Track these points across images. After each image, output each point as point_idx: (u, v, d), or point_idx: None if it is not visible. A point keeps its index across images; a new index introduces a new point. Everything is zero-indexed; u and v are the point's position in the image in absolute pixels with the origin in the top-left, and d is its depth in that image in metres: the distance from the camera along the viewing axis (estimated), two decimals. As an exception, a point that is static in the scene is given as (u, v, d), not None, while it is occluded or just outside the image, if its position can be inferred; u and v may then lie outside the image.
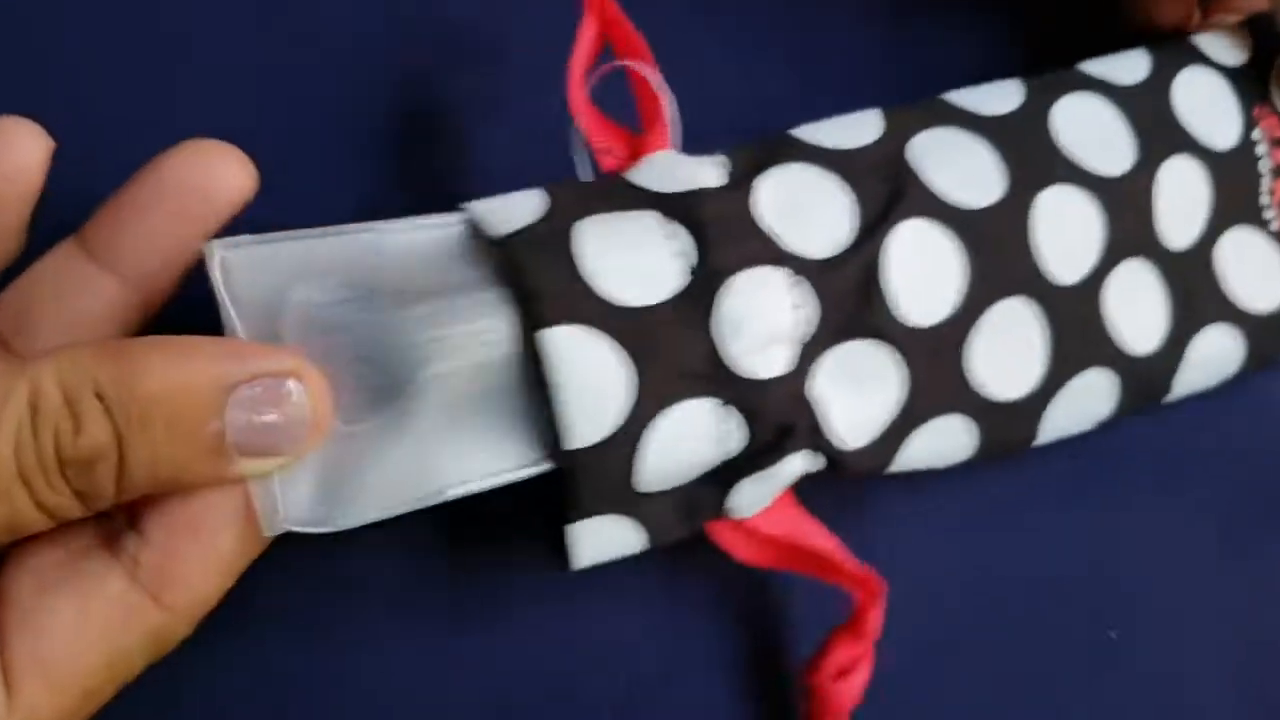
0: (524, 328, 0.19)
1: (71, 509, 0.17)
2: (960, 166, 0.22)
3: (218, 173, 0.19)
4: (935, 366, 0.22)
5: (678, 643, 0.25)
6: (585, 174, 0.22)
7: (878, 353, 0.21)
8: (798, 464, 0.21)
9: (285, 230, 0.19)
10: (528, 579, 0.25)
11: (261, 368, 0.17)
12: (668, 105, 0.22)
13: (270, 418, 0.17)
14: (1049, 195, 0.22)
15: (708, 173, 0.21)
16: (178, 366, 0.17)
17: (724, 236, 0.20)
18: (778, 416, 0.20)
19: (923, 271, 0.21)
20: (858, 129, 0.23)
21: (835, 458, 0.21)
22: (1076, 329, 0.23)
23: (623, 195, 0.21)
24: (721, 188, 0.21)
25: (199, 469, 0.17)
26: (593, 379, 0.19)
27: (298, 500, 0.19)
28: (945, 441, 0.23)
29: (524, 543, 0.25)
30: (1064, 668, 0.26)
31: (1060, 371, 0.23)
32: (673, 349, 0.20)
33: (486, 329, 0.20)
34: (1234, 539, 0.28)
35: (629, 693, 0.24)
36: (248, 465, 0.17)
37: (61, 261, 0.19)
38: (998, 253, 0.22)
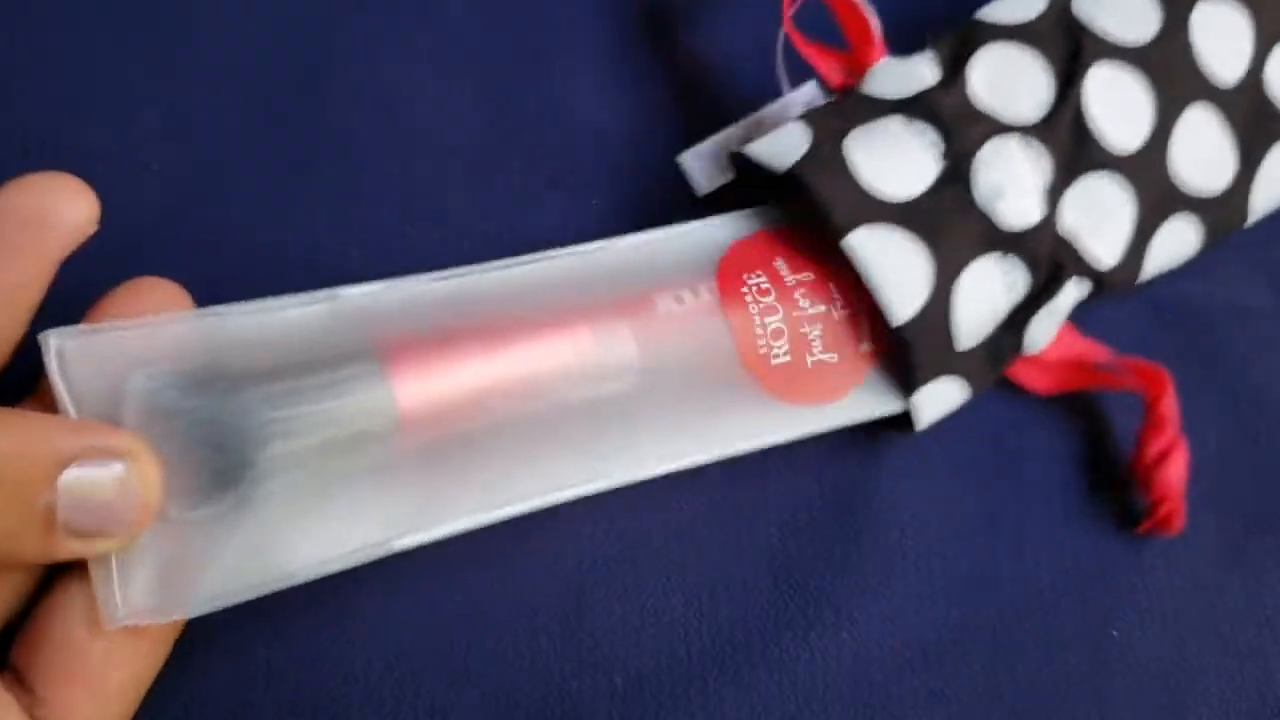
0: (833, 235, 0.24)
1: None
2: (1120, 10, 0.26)
3: (59, 206, 0.19)
4: (1151, 180, 0.26)
5: (677, 643, 0.25)
6: (786, 89, 0.27)
7: (1104, 182, 0.25)
8: (1072, 292, 0.25)
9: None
10: (528, 578, 0.25)
11: (95, 444, 0.17)
12: (873, 20, 0.26)
13: (100, 497, 0.17)
14: (1199, 12, 0.26)
15: (924, 71, 0.25)
16: (13, 436, 0.17)
17: (960, 123, 0.25)
18: (1048, 255, 0.25)
19: (1118, 106, 0.25)
20: (1026, 2, 0.26)
21: (1098, 279, 0.25)
22: (1252, 118, 0.27)
23: (867, 108, 0.25)
24: (940, 83, 0.25)
25: (28, 544, 0.17)
26: (897, 263, 0.23)
27: (137, 590, 0.19)
28: (1177, 241, 0.27)
29: (530, 542, 0.25)
30: (1064, 667, 0.26)
31: (1251, 156, 0.27)
32: (951, 222, 0.24)
33: (364, 401, 0.20)
34: (1234, 538, 0.27)
35: (626, 691, 0.24)
36: (77, 544, 0.17)
37: None
38: (1171, 72, 0.26)
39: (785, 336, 0.24)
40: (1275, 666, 0.26)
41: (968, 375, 0.25)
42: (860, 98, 0.25)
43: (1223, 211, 0.27)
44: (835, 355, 0.25)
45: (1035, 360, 0.26)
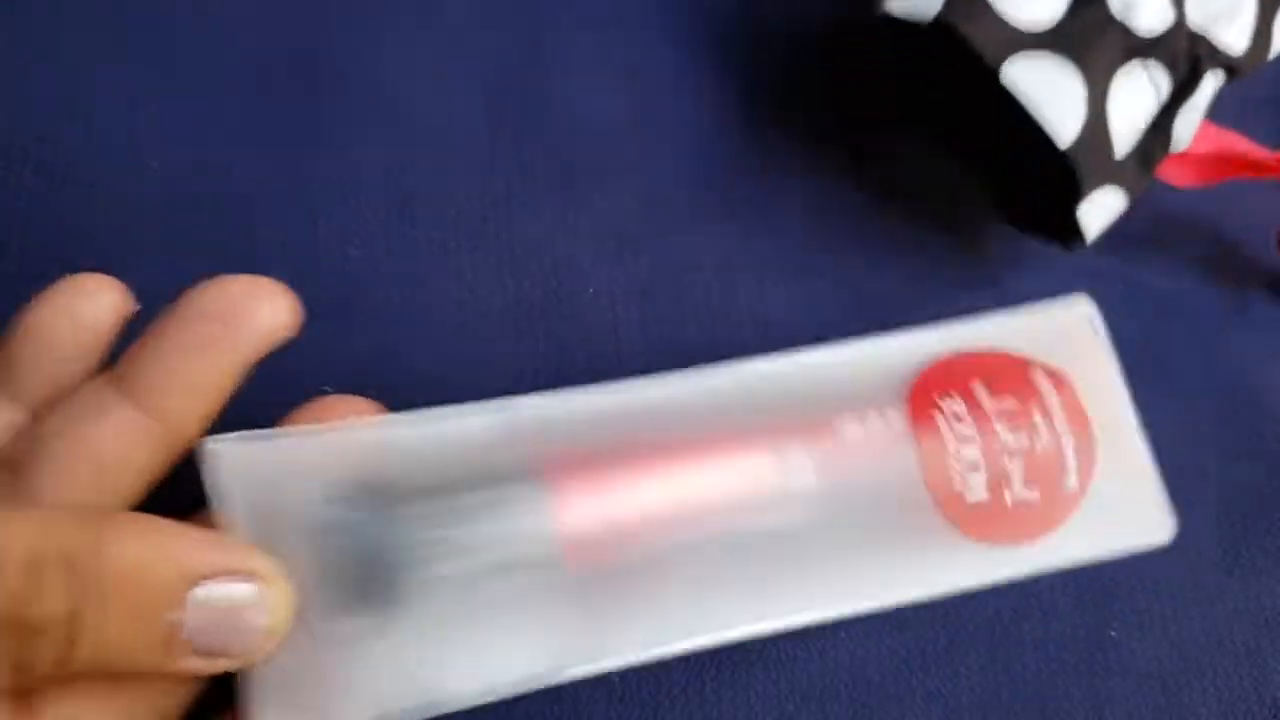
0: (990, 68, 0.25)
1: (3, 678, 0.16)
2: None
3: (249, 306, 0.19)
4: None
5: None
6: None
7: None
8: (1210, 85, 0.27)
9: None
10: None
11: (230, 563, 0.17)
12: None
13: (228, 619, 0.17)
14: None
15: None
16: (150, 548, 0.16)
17: None
18: (1185, 52, 0.26)
19: None
20: None
21: (1230, 66, 0.27)
22: None
23: None
24: None
25: (146, 657, 0.16)
26: (1054, 87, 0.25)
27: (280, 705, 0.18)
28: None
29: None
30: (1062, 668, 0.26)
31: None
32: (1094, 38, 0.26)
33: (523, 525, 0.20)
34: (1233, 540, 0.27)
35: (624, 690, 0.24)
36: (197, 662, 0.17)
37: (90, 391, 0.19)
38: None
39: (982, 470, 0.23)
40: (1273, 667, 0.26)
41: (1124, 182, 0.27)
42: None
43: None
44: (1037, 492, 0.23)
45: (1180, 156, 0.28)
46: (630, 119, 0.29)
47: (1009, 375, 0.24)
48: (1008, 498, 0.23)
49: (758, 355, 0.24)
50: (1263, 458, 0.28)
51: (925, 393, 0.24)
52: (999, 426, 0.23)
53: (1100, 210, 0.27)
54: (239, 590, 0.17)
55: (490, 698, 0.19)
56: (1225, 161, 0.28)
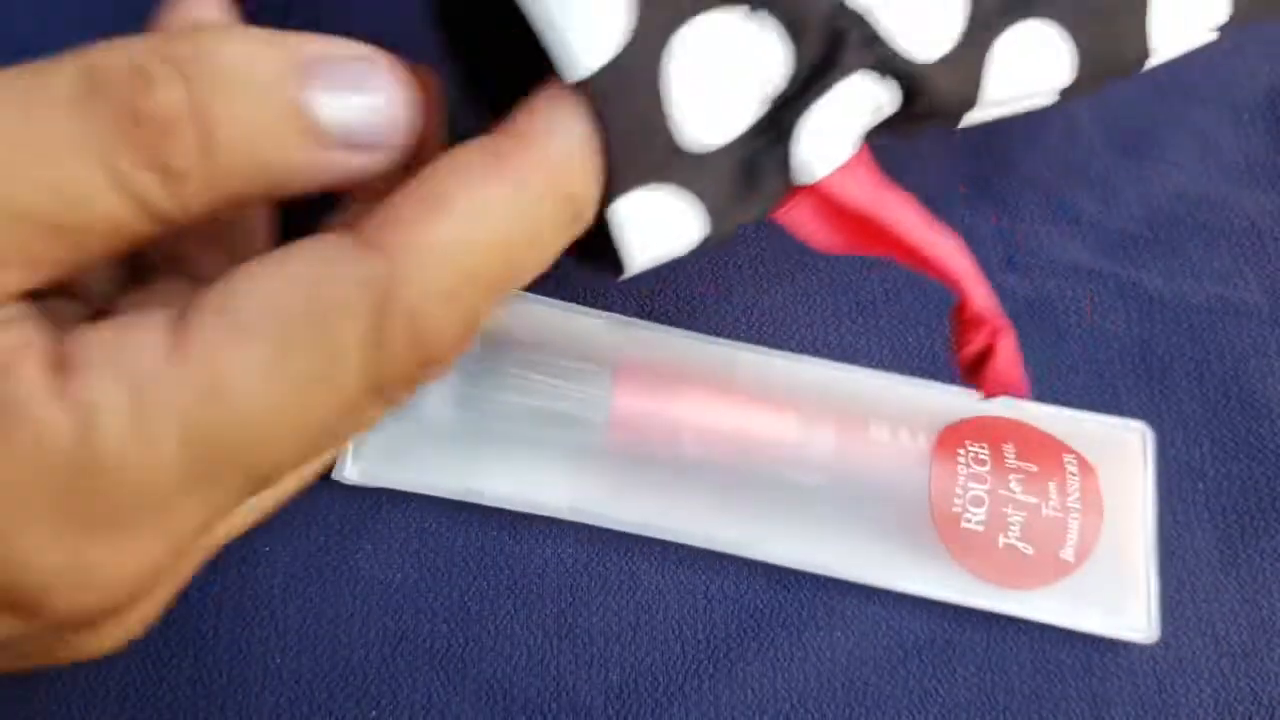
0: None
1: (157, 194, 0.14)
2: None
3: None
4: None
5: (674, 639, 0.25)
6: None
7: None
8: (865, 90, 0.17)
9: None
10: (528, 575, 0.25)
11: (336, 51, 0.16)
12: None
13: (358, 97, 0.16)
14: None
15: None
16: (252, 38, 0.15)
17: None
18: (821, 17, 0.16)
19: None
20: None
21: (911, 78, 0.17)
22: None
23: None
24: None
25: (292, 153, 0.15)
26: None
27: (364, 454, 0.24)
28: (1037, 55, 0.19)
29: (528, 542, 0.25)
30: (1058, 668, 0.26)
31: None
32: None
33: (587, 392, 0.25)
34: (1229, 540, 0.27)
35: (623, 688, 0.25)
36: (341, 155, 0.16)
37: None
38: None
39: (984, 507, 0.25)
40: (1271, 668, 0.26)
41: (702, 190, 0.17)
42: None
43: (1105, 29, 0.19)
44: (1031, 548, 0.25)
45: (815, 191, 0.18)
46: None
47: (1041, 449, 0.26)
48: (1000, 540, 0.25)
49: (826, 361, 0.27)
50: (1261, 458, 0.28)
51: (958, 434, 0.26)
52: (1012, 480, 0.25)
53: (648, 221, 0.17)
54: (354, 69, 0.16)
55: (510, 507, 0.25)
56: (878, 235, 0.18)
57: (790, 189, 0.17)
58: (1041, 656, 0.26)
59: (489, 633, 0.25)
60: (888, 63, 0.17)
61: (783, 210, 0.18)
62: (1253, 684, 0.26)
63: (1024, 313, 0.29)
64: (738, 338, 0.27)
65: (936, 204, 0.30)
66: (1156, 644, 0.25)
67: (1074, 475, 0.25)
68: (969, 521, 0.25)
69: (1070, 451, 0.26)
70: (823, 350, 0.28)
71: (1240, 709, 0.26)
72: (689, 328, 0.27)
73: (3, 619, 0.14)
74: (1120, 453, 0.26)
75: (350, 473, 0.25)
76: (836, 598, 0.25)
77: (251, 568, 0.25)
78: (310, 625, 0.24)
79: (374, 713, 0.24)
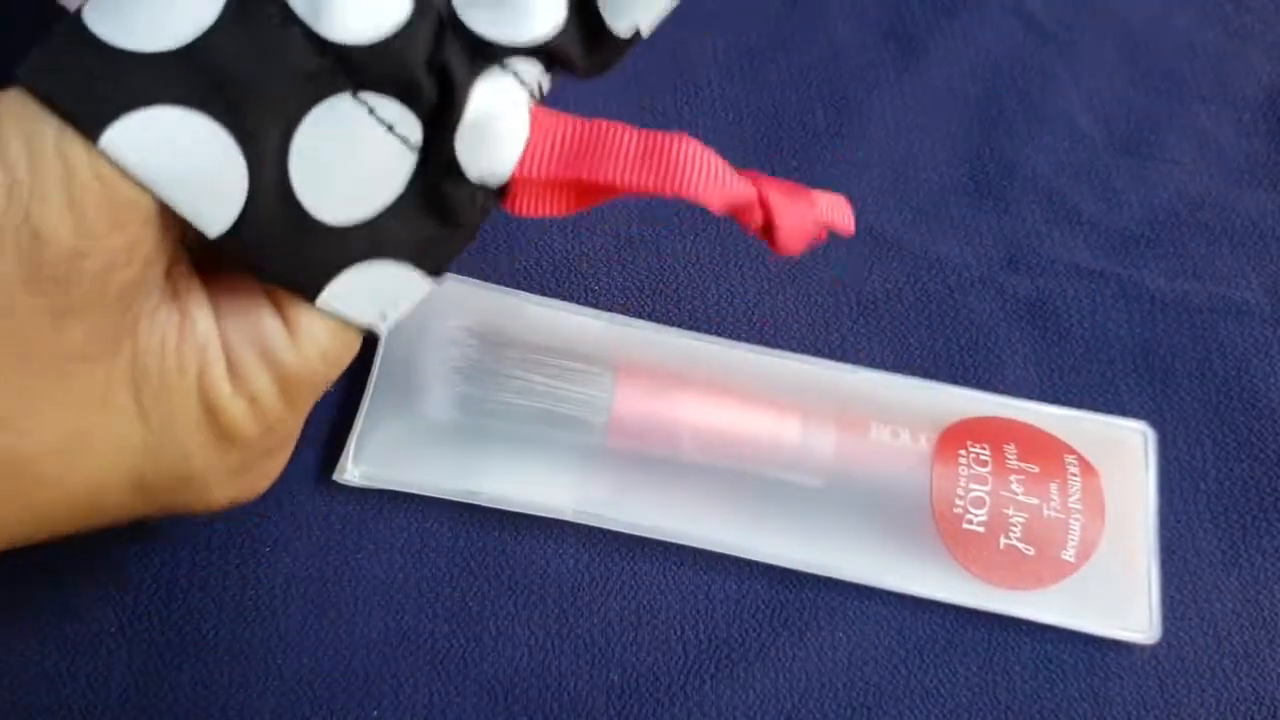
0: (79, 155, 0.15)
1: None
2: None
3: None
4: None
5: (673, 638, 0.25)
6: None
7: None
8: (498, 85, 0.17)
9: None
10: (528, 575, 0.25)
11: None
12: None
13: None
14: None
15: None
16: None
17: None
18: (425, 62, 0.16)
19: None
20: None
21: (549, 48, 0.17)
22: None
23: None
24: None
25: None
26: (186, 157, 0.15)
27: (365, 455, 0.25)
28: None
29: (529, 542, 0.25)
30: (1060, 668, 0.26)
31: None
32: (254, 67, 0.15)
33: (588, 394, 0.25)
34: (1231, 539, 0.27)
35: (624, 687, 0.25)
36: None
37: None
38: None
39: (985, 508, 0.25)
40: (1272, 668, 0.26)
41: (400, 252, 0.17)
42: None
43: None
44: (1033, 549, 0.25)
45: (520, 186, 0.18)
46: (629, 120, 0.29)
47: (1043, 450, 0.26)
48: (1001, 541, 0.25)
49: (827, 361, 0.27)
50: (1263, 458, 0.28)
51: (960, 434, 0.26)
52: (1014, 481, 0.25)
53: (362, 298, 0.18)
54: None
55: (510, 508, 0.25)
56: (597, 186, 0.18)
57: (490, 198, 0.18)
58: (1043, 657, 0.26)
59: (490, 633, 0.25)
60: (499, 57, 0.17)
61: (508, 205, 0.18)
62: (1254, 684, 0.26)
63: (1024, 313, 0.29)
64: (738, 338, 0.27)
65: (937, 203, 0.30)
66: (1158, 644, 0.25)
67: (1075, 476, 0.25)
68: (970, 522, 0.25)
69: (1072, 452, 0.26)
70: (823, 350, 0.28)
71: (1242, 709, 0.26)
72: (689, 328, 0.27)
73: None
74: (1122, 453, 0.26)
75: (352, 474, 0.25)
76: (838, 598, 0.25)
77: (253, 568, 0.24)
78: (311, 625, 0.24)
79: (375, 713, 0.24)
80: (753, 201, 0.18)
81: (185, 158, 0.15)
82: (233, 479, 0.19)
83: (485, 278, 0.27)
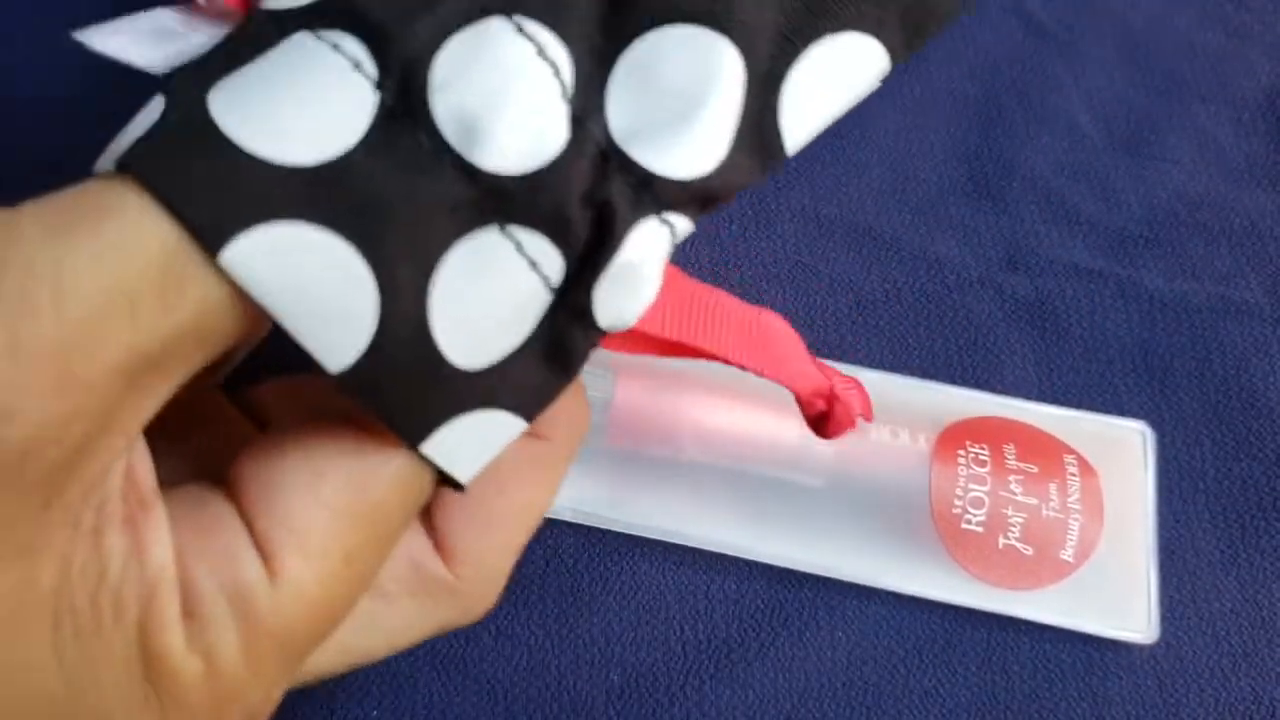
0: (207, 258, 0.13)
1: None
2: None
3: None
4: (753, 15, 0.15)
5: (672, 639, 0.25)
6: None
7: (677, 37, 0.15)
8: (652, 233, 0.15)
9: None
10: (529, 576, 0.25)
11: None
12: None
13: None
14: None
15: None
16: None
17: (396, 21, 0.14)
18: (580, 197, 0.15)
19: None
20: None
21: (695, 194, 0.15)
22: None
23: (265, 33, 0.14)
24: None
25: None
26: (311, 282, 0.13)
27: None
28: (833, 79, 0.17)
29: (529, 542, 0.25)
30: (1059, 668, 0.26)
31: None
32: (399, 189, 0.14)
33: (592, 396, 0.24)
34: (1230, 539, 0.27)
35: (624, 688, 0.25)
36: None
37: None
38: None
39: (984, 508, 0.25)
40: (1271, 668, 0.26)
41: (513, 400, 0.16)
42: (259, 17, 0.15)
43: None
44: (1031, 549, 0.25)
45: (631, 335, 0.17)
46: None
47: (1042, 450, 0.26)
48: (1000, 541, 0.25)
49: (827, 361, 0.26)
50: (1262, 458, 0.28)
51: (958, 434, 0.26)
52: (1013, 481, 0.25)
53: (470, 444, 0.16)
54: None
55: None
56: (691, 348, 0.17)
57: (596, 341, 0.16)
58: (1042, 657, 0.26)
59: (489, 633, 0.25)
60: (664, 200, 0.15)
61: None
62: (1253, 684, 0.26)
63: (1024, 313, 0.29)
64: None
65: (937, 203, 0.30)
66: (1157, 644, 0.25)
67: (1074, 476, 0.25)
68: (969, 522, 0.25)
69: (1071, 452, 0.26)
70: (822, 350, 0.28)
71: (1241, 709, 0.26)
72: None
73: None
74: (1121, 453, 0.26)
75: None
76: (837, 598, 0.25)
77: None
78: (311, 625, 0.24)
79: (375, 713, 0.24)
80: (827, 391, 0.19)
81: (313, 282, 0.13)
82: None
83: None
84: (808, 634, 0.25)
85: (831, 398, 0.19)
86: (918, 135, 0.31)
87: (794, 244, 0.29)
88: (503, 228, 0.15)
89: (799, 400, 0.19)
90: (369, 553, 0.16)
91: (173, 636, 0.14)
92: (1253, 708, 0.26)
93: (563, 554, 0.25)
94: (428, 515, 0.18)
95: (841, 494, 0.25)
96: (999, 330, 0.29)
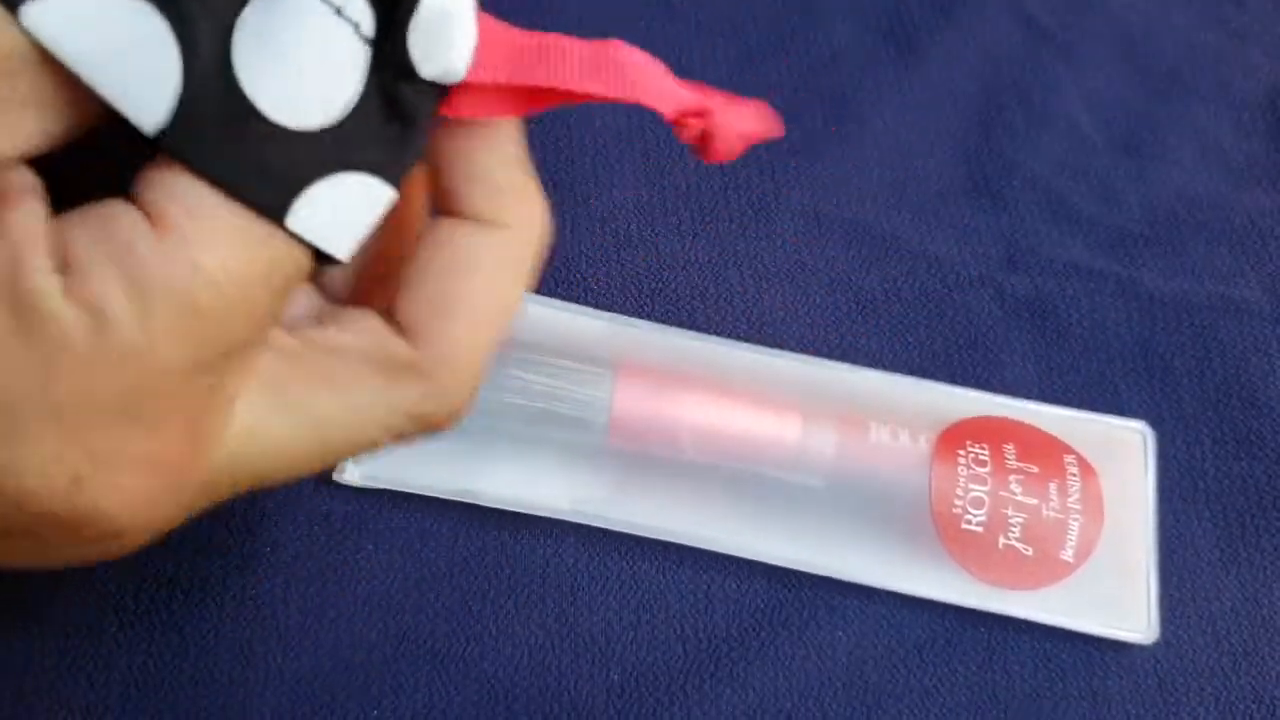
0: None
1: None
2: None
3: None
4: None
5: (671, 638, 0.25)
6: None
7: None
8: None
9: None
10: (527, 576, 0.25)
11: None
12: None
13: None
14: None
15: None
16: None
17: None
18: None
19: None
20: None
21: None
22: None
23: None
24: None
25: None
26: (117, 41, 0.14)
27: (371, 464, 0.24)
28: None
29: (529, 542, 0.25)
30: (1059, 666, 0.26)
31: None
32: None
33: (587, 394, 0.25)
34: (1230, 538, 0.27)
35: (624, 686, 0.25)
36: None
37: None
38: None
39: (984, 509, 0.25)
40: (1271, 667, 0.26)
41: (366, 161, 0.16)
42: None
43: None
44: (1031, 549, 0.25)
45: (466, 90, 0.17)
46: (630, 120, 0.30)
47: (1042, 450, 0.26)
48: (1000, 541, 0.25)
49: (827, 360, 0.27)
50: (1262, 457, 0.28)
51: (959, 434, 0.26)
52: (1013, 481, 0.25)
53: (334, 213, 0.16)
54: None
55: (510, 508, 0.25)
56: (543, 92, 0.17)
57: (439, 102, 0.17)
58: (1042, 656, 0.26)
59: (489, 633, 0.25)
60: None
61: (446, 109, 0.17)
62: (1253, 683, 0.26)
63: (1024, 312, 0.29)
64: (738, 338, 0.27)
65: (937, 202, 0.30)
66: (1157, 643, 0.25)
67: (1074, 476, 0.25)
68: (969, 523, 0.25)
69: (1071, 452, 0.26)
70: (823, 350, 0.28)
71: (1241, 708, 0.26)
72: (688, 327, 0.27)
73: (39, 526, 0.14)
74: (1121, 452, 0.26)
75: (352, 474, 0.25)
76: (837, 598, 0.25)
77: (253, 568, 0.25)
78: (311, 625, 0.24)
79: (374, 713, 0.24)
80: (699, 107, 0.18)
81: (114, 42, 0.14)
82: (66, 427, 0.14)
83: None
84: (807, 634, 0.25)
85: (705, 113, 0.18)
86: (918, 135, 0.31)
87: (794, 243, 0.29)
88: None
89: (671, 124, 0.18)
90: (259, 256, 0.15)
91: (42, 281, 0.13)
92: (1253, 707, 0.26)
93: (563, 554, 0.25)
94: (391, 313, 0.18)
95: (841, 494, 0.25)
96: (999, 330, 0.29)
